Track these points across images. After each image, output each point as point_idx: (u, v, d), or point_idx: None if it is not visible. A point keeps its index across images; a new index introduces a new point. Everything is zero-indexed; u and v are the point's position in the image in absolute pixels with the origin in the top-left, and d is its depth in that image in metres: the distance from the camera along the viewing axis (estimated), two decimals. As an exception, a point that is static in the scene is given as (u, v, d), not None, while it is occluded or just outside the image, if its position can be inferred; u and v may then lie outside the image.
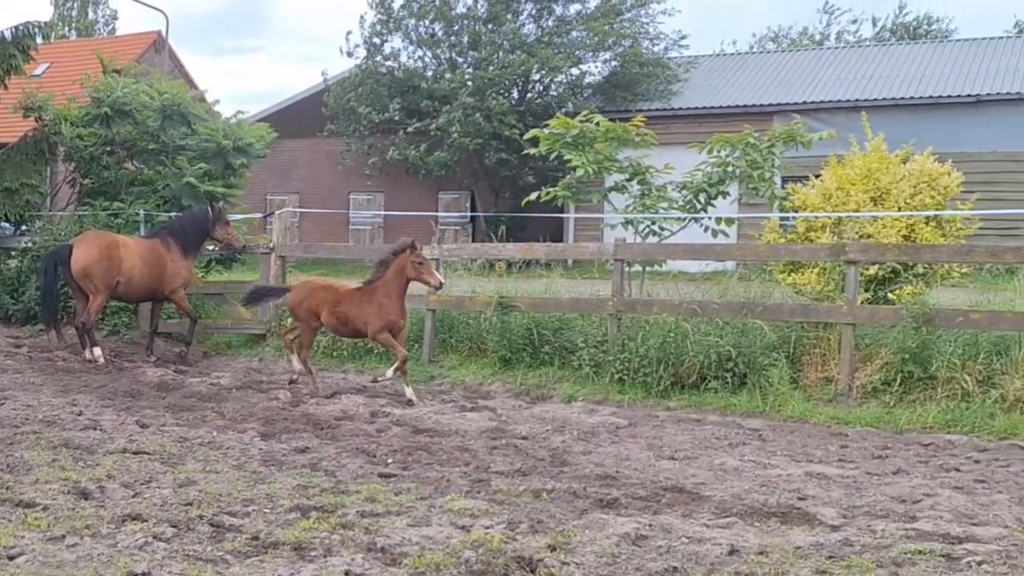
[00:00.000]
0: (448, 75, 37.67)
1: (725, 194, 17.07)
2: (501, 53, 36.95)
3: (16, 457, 9.56)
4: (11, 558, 6.76)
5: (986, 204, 23.67)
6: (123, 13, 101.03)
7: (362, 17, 44.92)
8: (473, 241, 35.65)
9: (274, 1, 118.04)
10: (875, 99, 33.56)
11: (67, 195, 22.76)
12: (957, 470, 10.03)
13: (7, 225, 21.53)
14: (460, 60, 38.64)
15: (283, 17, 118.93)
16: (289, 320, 16.19)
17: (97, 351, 16.30)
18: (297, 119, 42.39)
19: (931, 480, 9.61)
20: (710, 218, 17.01)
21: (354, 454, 10.34)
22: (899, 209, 15.70)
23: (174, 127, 20.91)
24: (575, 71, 39.22)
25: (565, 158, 17.36)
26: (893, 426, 12.15)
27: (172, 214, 19.18)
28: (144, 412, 12.30)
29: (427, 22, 39.14)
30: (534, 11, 39.57)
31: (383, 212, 39.67)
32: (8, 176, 20.42)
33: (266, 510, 8.11)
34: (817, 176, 17.12)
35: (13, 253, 20.70)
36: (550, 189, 17.92)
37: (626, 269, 15.70)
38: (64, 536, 7.22)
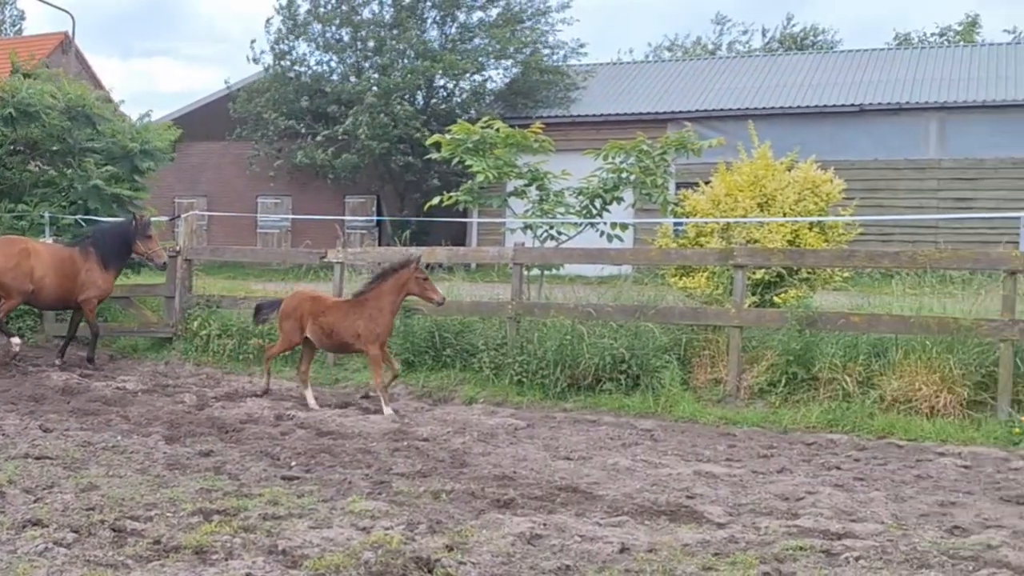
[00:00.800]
0: (354, 79, 37.48)
1: (620, 200, 17.20)
2: (406, 59, 36.84)
3: (-82, 464, 9.37)
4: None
5: (867, 210, 24.18)
6: (31, 13, 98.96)
7: (268, 21, 44.33)
8: (380, 245, 35.46)
9: (185, 3, 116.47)
10: (763, 107, 34.00)
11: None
12: (838, 468, 10.19)
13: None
14: (366, 65, 38.44)
15: (194, 19, 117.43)
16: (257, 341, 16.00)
17: (16, 340, 16.07)
18: (206, 122, 41.89)
19: (813, 478, 9.75)
20: (605, 223, 17.10)
21: (258, 457, 10.25)
22: (784, 215, 15.91)
23: (79, 128, 20.42)
24: (478, 78, 39.20)
25: (466, 163, 17.36)
26: (778, 426, 12.31)
27: (102, 221, 18.55)
28: (48, 416, 12.09)
29: (333, 28, 38.88)
30: (438, 18, 39.48)
31: (291, 216, 39.33)
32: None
33: (168, 514, 8.01)
34: (707, 182, 17.30)
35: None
36: (452, 194, 17.91)
37: (525, 273, 15.74)
38: (-37, 543, 7.07)
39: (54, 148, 20.68)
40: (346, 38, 38.97)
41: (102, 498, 8.42)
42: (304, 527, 7.75)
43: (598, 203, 17.11)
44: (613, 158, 17.21)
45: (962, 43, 50.00)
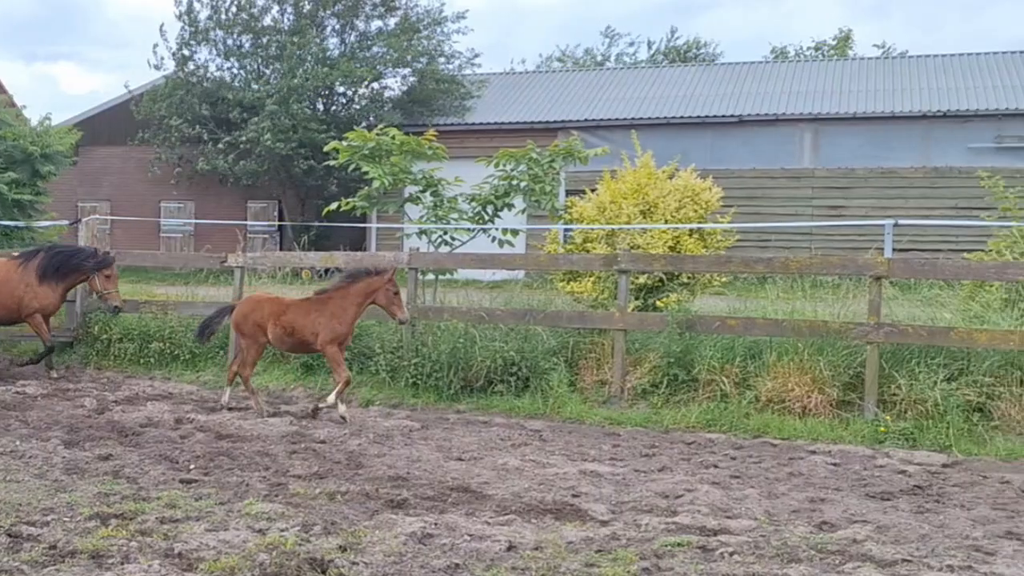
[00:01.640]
0: (255, 85, 37.09)
1: (511, 206, 17.27)
2: (307, 65, 36.52)
3: None
4: None
5: (745, 218, 24.58)
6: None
7: (162, 27, 43.67)
8: (281, 249, 35.14)
9: (90, 7, 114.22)
10: (648, 117, 34.27)
11: None
12: (715, 466, 10.34)
13: None
14: (267, 71, 38.04)
15: (99, 23, 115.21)
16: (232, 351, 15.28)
17: None
18: (109, 126, 41.14)
19: (692, 476, 9.88)
20: (497, 229, 17.17)
21: (157, 461, 10.11)
22: (666, 222, 16.12)
23: (-23, 133, 19.97)
24: (376, 85, 39.05)
25: (363, 170, 17.30)
26: (660, 426, 12.42)
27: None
28: (-55, 422, 11.78)
29: (234, 34, 38.42)
30: (337, 26, 39.18)
31: (193, 220, 38.78)
32: None
33: (66, 519, 7.90)
34: (594, 190, 17.46)
35: None
36: (350, 200, 17.84)
37: (420, 277, 15.72)
38: None
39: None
40: (247, 45, 38.53)
41: (-2, 503, 8.25)
42: (201, 530, 7.69)
43: (490, 209, 17.17)
44: (504, 165, 17.28)
45: (836, 57, 50.97)
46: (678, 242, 16.12)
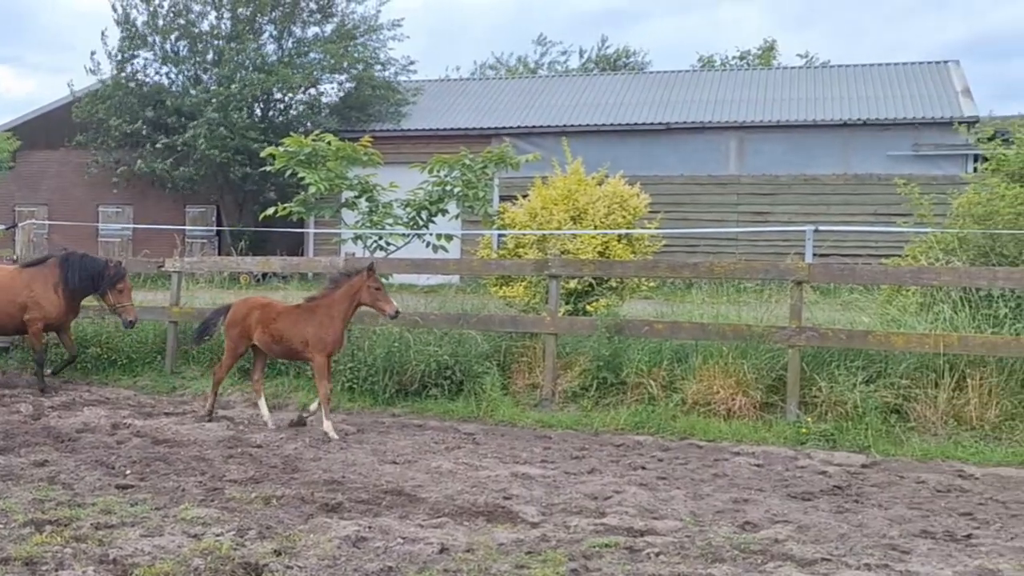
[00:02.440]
0: (193, 91, 36.73)
1: (444, 212, 17.26)
2: (244, 71, 36.26)
3: None
4: None
5: (673, 223, 24.74)
6: None
7: (103, 32, 43.19)
8: (219, 254, 34.80)
9: (30, 10, 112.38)
10: (579, 124, 34.42)
11: None
12: (643, 468, 10.36)
13: None
14: (205, 76, 37.69)
15: (39, 27, 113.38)
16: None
17: None
18: (46, 130, 40.56)
19: (620, 478, 9.91)
20: (432, 234, 17.14)
21: (93, 466, 9.98)
22: (595, 227, 16.18)
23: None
24: (313, 91, 38.90)
25: (299, 175, 17.20)
26: (590, 428, 12.42)
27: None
28: None
29: (172, 39, 38.02)
30: (275, 32, 38.98)
31: (132, 225, 38.30)
32: None
33: (0, 525, 7.77)
34: (526, 196, 17.50)
35: None
36: (286, 205, 17.73)
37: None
38: None
39: None
40: (185, 50, 38.17)
41: (-68, 512, 8.11)
42: (136, 535, 7.61)
43: (424, 215, 17.14)
44: (438, 171, 17.26)
45: (760, 66, 51.49)
46: (607, 247, 16.19)
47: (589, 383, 13.36)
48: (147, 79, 38.25)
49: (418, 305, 15.67)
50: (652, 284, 16.55)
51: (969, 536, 8.12)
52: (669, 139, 33.54)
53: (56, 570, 6.79)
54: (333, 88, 39.63)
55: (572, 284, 15.54)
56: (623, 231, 16.34)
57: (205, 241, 38.82)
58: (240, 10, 37.71)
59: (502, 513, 8.55)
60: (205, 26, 38.19)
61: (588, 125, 34.42)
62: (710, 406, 12.55)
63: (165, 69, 38.65)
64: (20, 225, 19.46)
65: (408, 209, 17.16)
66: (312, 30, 39.53)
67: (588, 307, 15.44)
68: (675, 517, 8.50)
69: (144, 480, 9.48)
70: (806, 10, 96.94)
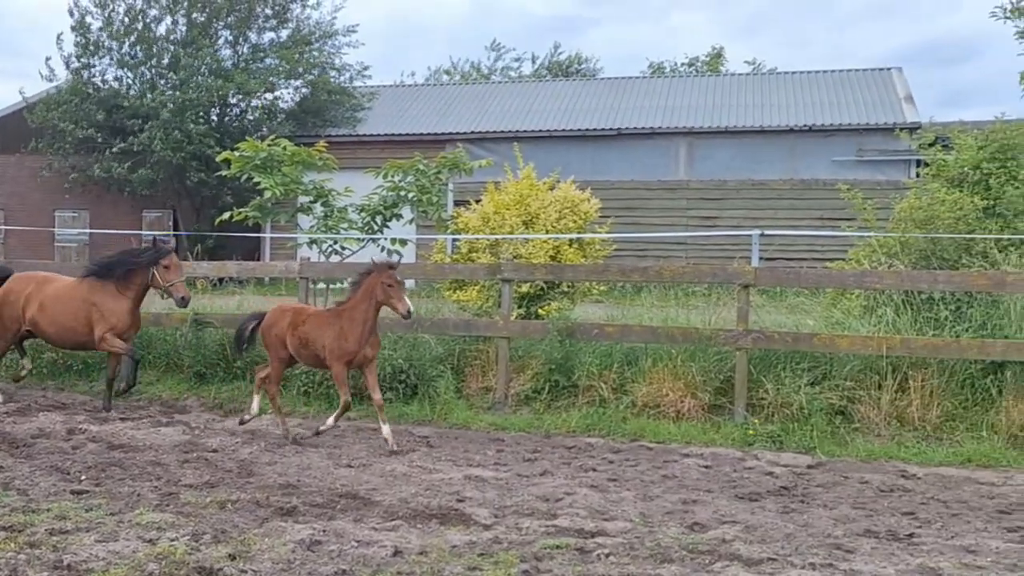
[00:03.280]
0: (150, 95, 36.38)
1: (399, 216, 17.18)
2: (200, 76, 35.96)
3: None
4: None
5: (623, 228, 24.78)
6: None
7: (59, 37, 42.65)
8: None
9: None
10: (532, 130, 34.42)
11: None
12: (594, 470, 10.37)
13: None
14: (161, 81, 37.34)
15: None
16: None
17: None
18: (2, 135, 40.04)
19: (571, 480, 9.92)
20: (386, 239, 17.09)
21: (48, 472, 9.85)
22: (547, 232, 16.22)
23: None
24: (269, 96, 38.64)
25: (255, 180, 17.09)
26: (542, 430, 12.40)
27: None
28: None
29: (128, 44, 37.63)
30: (231, 37, 38.67)
31: (88, 230, 37.85)
32: None
33: (-46, 533, 7.67)
34: (479, 201, 17.50)
35: None
36: (242, 210, 17.61)
37: (311, 286, 15.57)
38: None
39: None
40: (141, 55, 37.80)
41: None
42: (91, 541, 7.52)
43: (379, 219, 17.05)
44: (392, 177, 17.19)
45: (708, 73, 51.75)
46: (559, 252, 16.23)
47: (542, 386, 13.36)
48: (103, 84, 37.84)
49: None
50: (603, 288, 16.61)
51: (911, 535, 8.21)
52: (620, 145, 33.61)
53: (10, 576, 6.72)
54: (289, 93, 39.45)
55: (525, 288, 15.55)
56: (574, 235, 16.38)
57: (163, 246, 38.37)
58: (195, 15, 37.43)
59: (455, 515, 8.54)
60: (161, 30, 37.85)
61: (540, 131, 34.43)
62: (660, 408, 12.59)
63: (121, 74, 38.27)
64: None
65: (363, 214, 17.07)
66: (268, 36, 39.25)
67: (540, 311, 15.46)
68: (625, 518, 8.52)
69: (99, 485, 9.37)
70: (754, 18, 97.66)
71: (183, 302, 13.51)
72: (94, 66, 37.83)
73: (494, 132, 34.70)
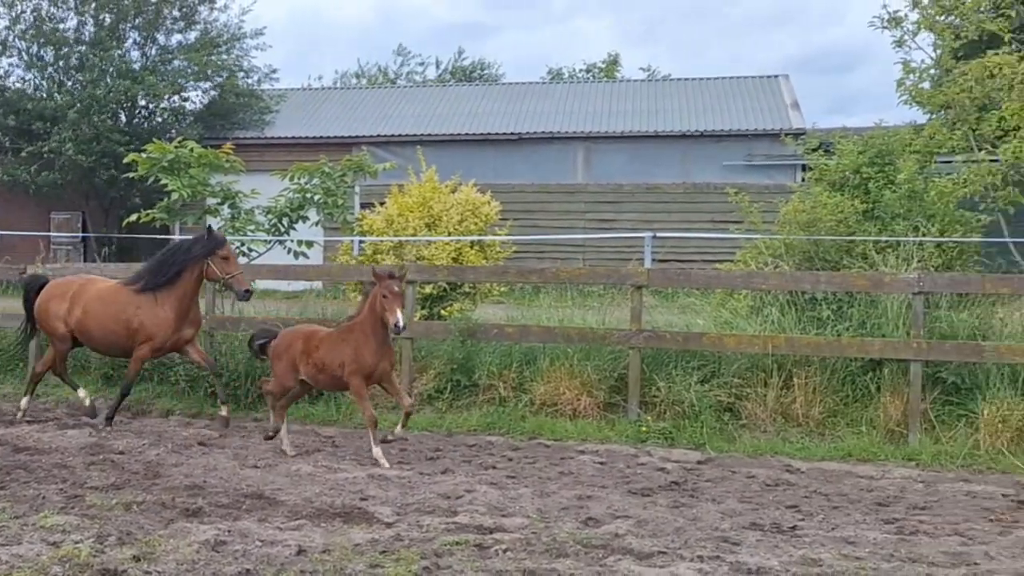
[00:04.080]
0: (57, 96, 35.55)
1: (305, 218, 17.09)
2: (108, 78, 35.22)
3: None
4: None
5: (524, 230, 24.87)
6: None
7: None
8: (84, 261, 33.68)
9: None
10: (436, 134, 34.32)
11: None
12: (494, 467, 10.40)
13: None
14: (69, 82, 36.50)
15: None
16: None
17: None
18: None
19: (472, 477, 9.94)
20: (293, 241, 16.97)
21: (-49, 476, 9.65)
22: (449, 234, 16.26)
23: None
24: (177, 98, 38.00)
25: (162, 182, 16.85)
26: (444, 429, 12.39)
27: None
28: None
29: (35, 45, 36.72)
30: (139, 39, 37.95)
31: (-7, 232, 36.86)
32: None
33: None
34: (383, 203, 17.48)
35: None
36: (149, 211, 17.35)
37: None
38: None
39: None
40: (49, 56, 36.93)
41: None
42: (-7, 545, 7.39)
43: (286, 221, 16.95)
44: (299, 179, 17.10)
45: (605, 79, 52.12)
46: (460, 253, 16.28)
47: (444, 385, 13.33)
48: (9, 86, 36.91)
49: (279, 310, 15.47)
50: (503, 289, 16.67)
51: (795, 527, 8.37)
52: (520, 149, 33.63)
53: (-90, 583, 6.57)
54: (198, 95, 38.83)
55: (428, 289, 15.57)
56: (475, 238, 16.43)
57: (71, 247, 37.43)
58: (103, 16, 36.68)
59: (358, 514, 8.53)
60: (69, 31, 37.00)
61: (444, 134, 34.34)
62: (557, 407, 12.65)
63: (29, 76, 37.38)
64: None
65: (270, 216, 16.95)
66: (176, 37, 38.59)
67: (443, 311, 15.49)
68: (523, 514, 8.57)
69: (3, 488, 9.19)
70: (650, 26, 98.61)
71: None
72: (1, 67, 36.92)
73: (399, 136, 34.51)
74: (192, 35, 38.39)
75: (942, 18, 15.64)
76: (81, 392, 13.02)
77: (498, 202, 17.74)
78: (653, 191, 32.30)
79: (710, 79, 38.21)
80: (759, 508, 9.03)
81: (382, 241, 16.45)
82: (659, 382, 12.58)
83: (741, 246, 16.89)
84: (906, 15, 15.83)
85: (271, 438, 11.20)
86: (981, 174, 14.36)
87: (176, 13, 37.97)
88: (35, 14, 36.53)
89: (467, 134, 34.39)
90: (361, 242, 17.98)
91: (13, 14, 36.60)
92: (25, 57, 36.83)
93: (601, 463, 10.75)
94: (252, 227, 16.85)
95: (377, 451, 10.51)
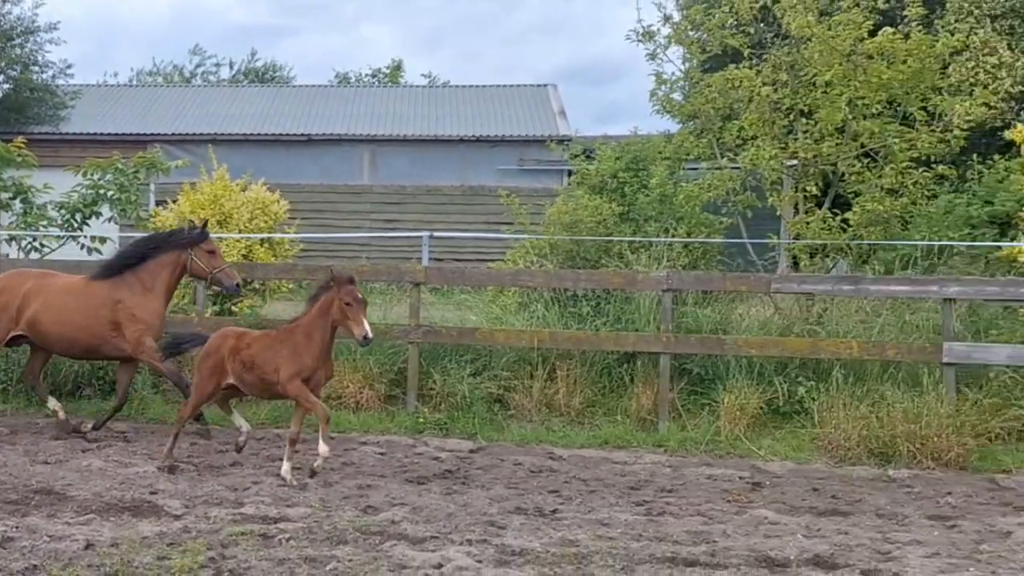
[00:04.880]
0: None
1: (98, 214, 16.43)
2: None
3: None
4: None
5: (313, 229, 24.59)
6: None
7: None
8: None
9: None
10: (229, 133, 33.37)
11: None
12: (280, 459, 10.17)
13: None
14: None
15: None
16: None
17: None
18: None
19: (259, 470, 9.83)
20: (86, 236, 16.31)
21: None
22: (240, 231, 15.96)
23: None
24: (-31, 91, 35.85)
25: (-60, 176, 15.95)
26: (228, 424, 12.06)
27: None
28: None
29: None
30: (-70, 30, 35.66)
31: None
32: None
33: None
34: (175, 201, 17.02)
35: None
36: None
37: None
38: None
39: None
40: None
41: None
42: None
43: (79, 217, 16.27)
44: (92, 175, 16.43)
45: (390, 84, 51.93)
46: (251, 251, 16.02)
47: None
48: None
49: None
50: (292, 285, 16.45)
51: (555, 511, 8.62)
52: (310, 150, 33.09)
53: None
54: (-9, 89, 36.67)
55: (218, 286, 15.21)
56: (265, 235, 16.18)
57: None
58: None
59: (148, 508, 8.36)
60: None
61: (236, 134, 33.42)
62: (341, 399, 12.58)
63: None
64: None
65: (63, 211, 16.25)
66: (-34, 30, 36.41)
67: (234, 308, 15.17)
68: (306, 504, 8.56)
69: None
70: (433, 33, 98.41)
71: (237, 289, 11.56)
72: None
73: (193, 134, 33.43)
74: (-19, 29, 36.25)
75: (692, 33, 16.17)
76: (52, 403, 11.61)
77: (287, 201, 17.51)
78: (433, 192, 32.34)
79: (486, 86, 38.55)
80: (524, 494, 9.24)
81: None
82: (435, 375, 12.69)
83: (511, 246, 17.16)
84: (659, 29, 16.29)
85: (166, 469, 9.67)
86: (723, 179, 14.95)
87: (-33, 4, 35.79)
88: None
89: (258, 134, 33.64)
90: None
91: None
92: None
93: (381, 453, 10.77)
94: (45, 222, 16.13)
95: (324, 448, 9.28)
